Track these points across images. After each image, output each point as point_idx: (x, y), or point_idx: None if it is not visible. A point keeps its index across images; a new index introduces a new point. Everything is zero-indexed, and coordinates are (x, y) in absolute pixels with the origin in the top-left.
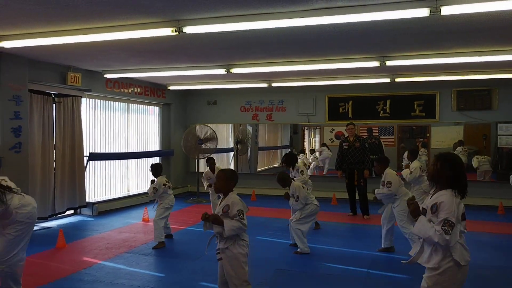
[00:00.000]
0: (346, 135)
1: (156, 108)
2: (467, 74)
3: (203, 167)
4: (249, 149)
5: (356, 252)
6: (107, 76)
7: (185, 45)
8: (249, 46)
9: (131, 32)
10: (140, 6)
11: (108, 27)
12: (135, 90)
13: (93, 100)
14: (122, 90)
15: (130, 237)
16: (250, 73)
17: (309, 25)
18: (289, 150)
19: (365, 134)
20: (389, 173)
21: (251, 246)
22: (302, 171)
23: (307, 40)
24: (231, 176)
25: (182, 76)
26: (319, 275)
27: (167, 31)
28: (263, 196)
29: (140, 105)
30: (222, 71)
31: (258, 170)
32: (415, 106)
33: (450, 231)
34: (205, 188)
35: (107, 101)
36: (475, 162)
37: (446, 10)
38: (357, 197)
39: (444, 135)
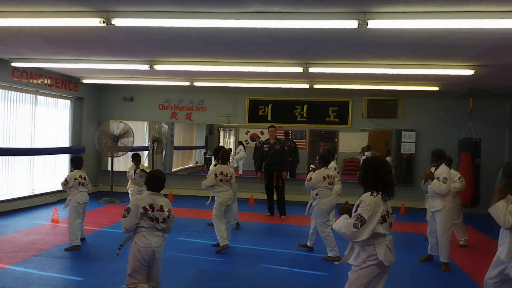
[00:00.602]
0: (266, 137)
1: (68, 102)
2: (378, 84)
3: (118, 165)
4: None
5: (277, 251)
6: (14, 64)
7: (109, 37)
8: (176, 43)
9: (55, 19)
10: None
11: (28, 12)
12: (45, 82)
13: None
14: (31, 81)
15: (39, 239)
16: (173, 70)
17: (242, 27)
18: (204, 150)
19: (283, 137)
20: (319, 172)
21: (172, 247)
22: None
23: (237, 42)
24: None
25: (98, 70)
26: (243, 274)
27: (95, 22)
28: (179, 196)
29: (50, 98)
30: (145, 67)
31: (173, 170)
32: (330, 112)
33: (359, 226)
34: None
35: (12, 92)
36: None
37: (373, 24)
38: (275, 198)
39: (351, 141)
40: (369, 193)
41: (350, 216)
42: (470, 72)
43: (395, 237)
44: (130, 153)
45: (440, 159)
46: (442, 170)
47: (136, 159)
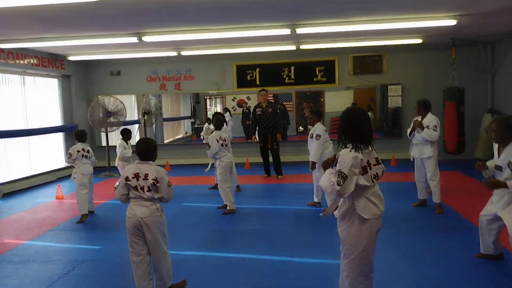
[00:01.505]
0: (254, 103)
1: (55, 81)
2: (363, 41)
3: (112, 140)
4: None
5: (279, 208)
6: (1, 46)
7: (97, 12)
8: (165, 13)
9: None
10: None
11: None
12: (32, 61)
13: None
14: (17, 62)
15: (48, 215)
16: (160, 41)
17: None
18: (192, 120)
19: (272, 100)
20: (319, 127)
21: (179, 213)
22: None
23: (226, 8)
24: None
25: (84, 46)
26: (253, 231)
27: None
28: (176, 166)
29: (38, 78)
30: (133, 39)
31: (165, 141)
32: (317, 72)
33: (342, 182)
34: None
35: (0, 74)
36: None
37: None
38: (270, 160)
39: (337, 100)
40: (347, 148)
41: (328, 167)
42: (453, 22)
43: (388, 187)
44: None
45: (427, 108)
46: (431, 119)
47: (127, 135)
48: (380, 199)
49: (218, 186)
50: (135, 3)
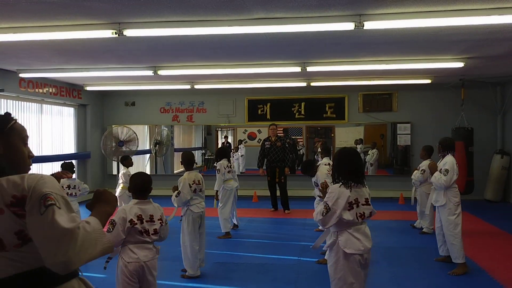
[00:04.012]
0: (265, 136)
1: (72, 109)
2: (373, 80)
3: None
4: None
5: (284, 243)
6: (22, 75)
7: (117, 46)
8: (181, 49)
9: (69, 33)
10: (83, 7)
11: (43, 27)
12: (50, 90)
13: (5, 100)
14: (37, 90)
15: None
16: (175, 75)
17: (246, 33)
18: (203, 151)
19: (282, 133)
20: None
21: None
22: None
23: (240, 46)
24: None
25: (101, 77)
26: (257, 265)
27: (107, 33)
28: None
29: (55, 106)
30: (149, 73)
31: (175, 172)
32: (327, 108)
33: (325, 213)
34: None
35: (20, 102)
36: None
37: (368, 25)
38: (277, 194)
39: (347, 135)
40: (337, 184)
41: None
42: (460, 64)
43: (394, 224)
44: (133, 157)
45: (446, 149)
46: (446, 161)
47: (128, 161)
48: (366, 236)
49: (182, 246)
50: (152, 39)
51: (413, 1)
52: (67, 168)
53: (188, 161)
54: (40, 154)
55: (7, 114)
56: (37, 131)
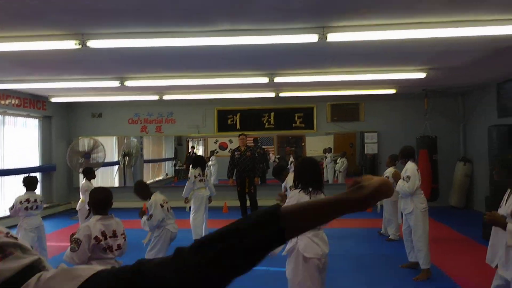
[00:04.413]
0: (236, 145)
1: (36, 121)
2: (340, 90)
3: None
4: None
5: None
6: None
7: (81, 57)
8: (147, 60)
9: (31, 43)
10: (45, 18)
11: (3, 37)
12: (13, 102)
13: None
14: None
15: None
16: (142, 86)
17: (212, 45)
18: (174, 162)
19: (252, 144)
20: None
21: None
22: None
23: (207, 57)
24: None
25: (66, 88)
26: None
27: (71, 44)
28: None
29: (19, 118)
30: (116, 84)
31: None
32: (296, 118)
33: None
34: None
35: None
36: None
37: (331, 37)
38: (247, 204)
39: (317, 144)
40: (296, 190)
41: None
42: (423, 75)
43: (362, 232)
44: (101, 169)
45: (405, 156)
46: (406, 168)
47: (91, 174)
48: (324, 242)
49: None
50: (117, 50)
51: (374, 14)
52: (29, 183)
53: (142, 192)
54: (2, 168)
55: None
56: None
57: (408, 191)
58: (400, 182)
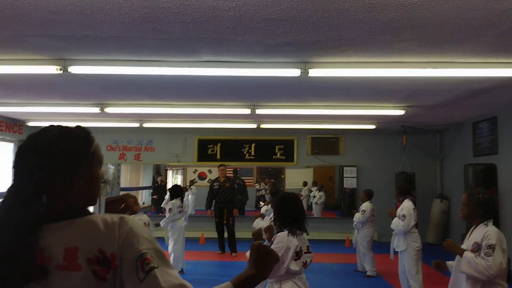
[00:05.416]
0: (215, 176)
1: (12, 145)
2: (320, 123)
3: None
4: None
5: None
6: None
7: (61, 82)
8: (129, 87)
9: (10, 67)
10: (26, 42)
11: None
12: None
13: None
14: None
15: None
16: (123, 113)
17: (194, 75)
18: (151, 191)
19: (231, 174)
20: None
21: None
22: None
23: (189, 87)
24: None
25: (45, 113)
26: None
27: (52, 69)
28: None
29: None
30: (96, 110)
31: None
32: (277, 150)
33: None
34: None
35: None
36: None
37: (313, 72)
38: (225, 235)
39: (297, 177)
40: (284, 232)
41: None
42: (401, 112)
43: (339, 267)
44: None
45: (403, 194)
46: (403, 206)
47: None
48: (306, 286)
49: None
50: (99, 77)
51: (354, 52)
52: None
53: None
54: None
55: (86, 131)
56: None
57: (403, 229)
58: (395, 220)
